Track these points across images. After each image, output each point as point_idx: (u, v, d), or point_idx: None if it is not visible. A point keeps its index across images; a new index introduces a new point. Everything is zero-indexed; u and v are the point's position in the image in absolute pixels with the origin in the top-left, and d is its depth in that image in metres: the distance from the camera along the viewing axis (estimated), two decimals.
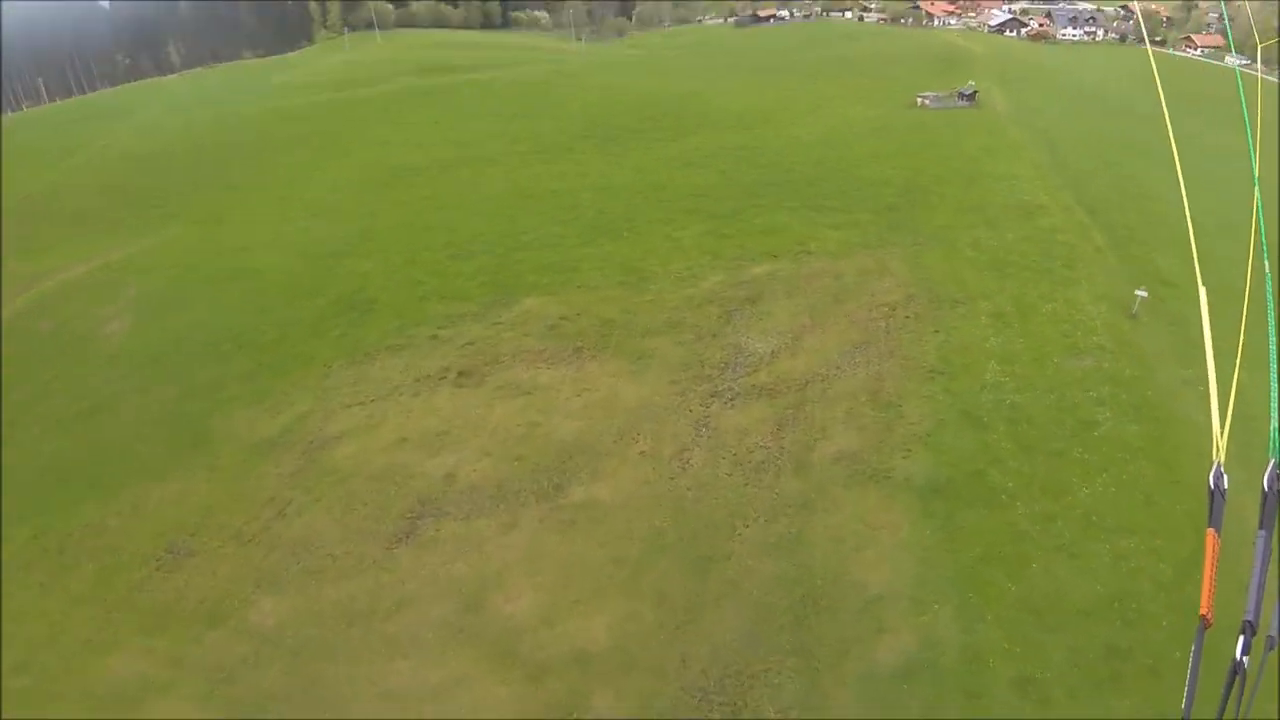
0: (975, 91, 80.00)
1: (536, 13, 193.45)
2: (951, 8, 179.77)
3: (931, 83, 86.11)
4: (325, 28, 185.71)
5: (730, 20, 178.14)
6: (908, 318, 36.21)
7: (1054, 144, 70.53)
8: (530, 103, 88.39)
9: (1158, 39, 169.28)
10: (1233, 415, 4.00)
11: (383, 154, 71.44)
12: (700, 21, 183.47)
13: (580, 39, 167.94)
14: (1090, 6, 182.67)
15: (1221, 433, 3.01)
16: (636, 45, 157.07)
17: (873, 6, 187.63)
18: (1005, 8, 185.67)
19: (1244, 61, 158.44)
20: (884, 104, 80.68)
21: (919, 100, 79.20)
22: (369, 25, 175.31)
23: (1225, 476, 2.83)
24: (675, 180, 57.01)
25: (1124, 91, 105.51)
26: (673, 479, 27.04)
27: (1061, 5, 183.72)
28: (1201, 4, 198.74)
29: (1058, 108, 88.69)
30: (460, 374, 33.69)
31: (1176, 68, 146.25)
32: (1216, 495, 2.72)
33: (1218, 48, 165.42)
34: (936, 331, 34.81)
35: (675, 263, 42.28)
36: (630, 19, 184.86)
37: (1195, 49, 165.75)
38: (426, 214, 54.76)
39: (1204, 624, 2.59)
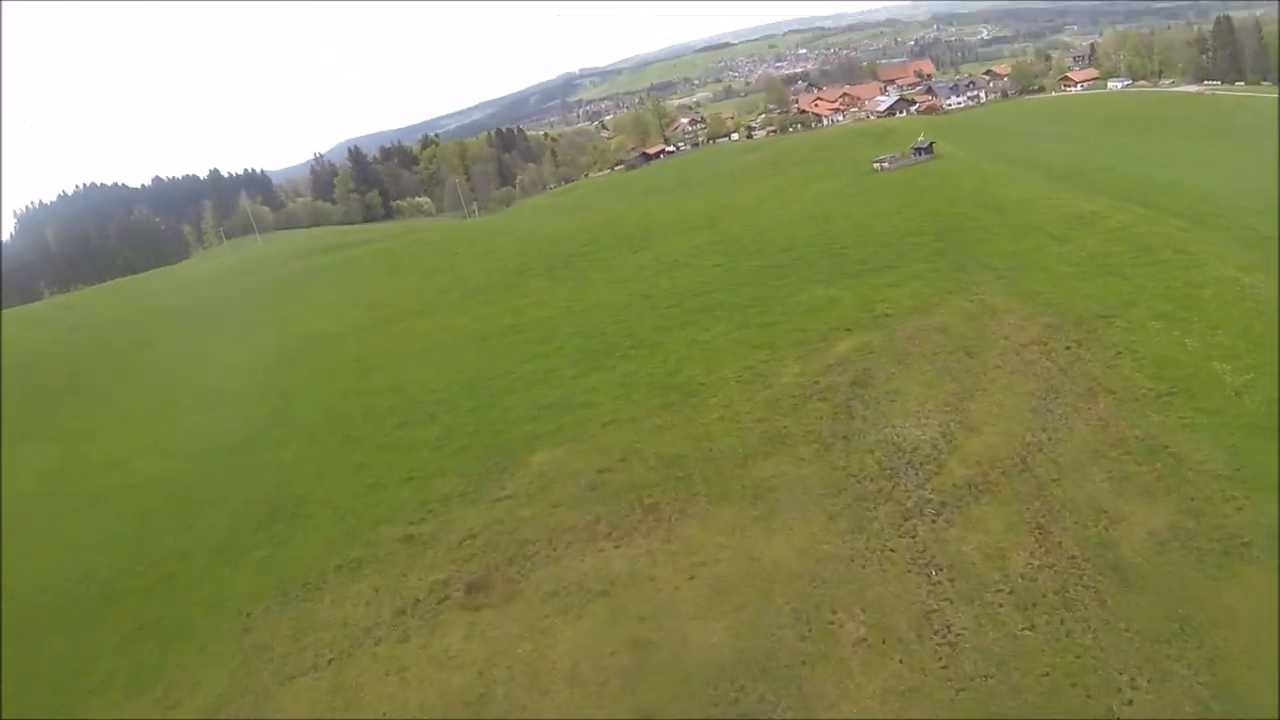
0: (931, 143, 74.01)
1: (419, 199, 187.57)
2: (835, 104, 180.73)
3: (873, 153, 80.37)
4: (202, 245, 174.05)
5: (618, 168, 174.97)
6: (1070, 346, 27.02)
7: (1042, 167, 65.45)
8: (444, 258, 77.71)
9: (1035, 88, 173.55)
10: None
11: (286, 330, 58.63)
12: (585, 176, 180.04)
13: (472, 215, 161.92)
14: (964, 77, 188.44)
15: None
16: (532, 204, 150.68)
17: (756, 124, 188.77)
18: (888, 90, 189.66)
19: (1126, 82, 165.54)
20: (843, 175, 73.67)
21: (877, 165, 72.27)
22: (246, 230, 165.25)
23: None
24: (662, 286, 45.98)
25: (1047, 129, 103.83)
26: (952, 681, 14.46)
27: (937, 80, 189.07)
28: (1052, 54, 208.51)
29: (1006, 146, 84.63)
30: (471, 588, 20.36)
31: (1069, 103, 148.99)
32: None
33: (1095, 79, 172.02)
34: (1118, 353, 25.95)
35: (724, 367, 30.45)
36: (514, 187, 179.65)
37: (1074, 85, 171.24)
38: (356, 380, 41.77)
39: None
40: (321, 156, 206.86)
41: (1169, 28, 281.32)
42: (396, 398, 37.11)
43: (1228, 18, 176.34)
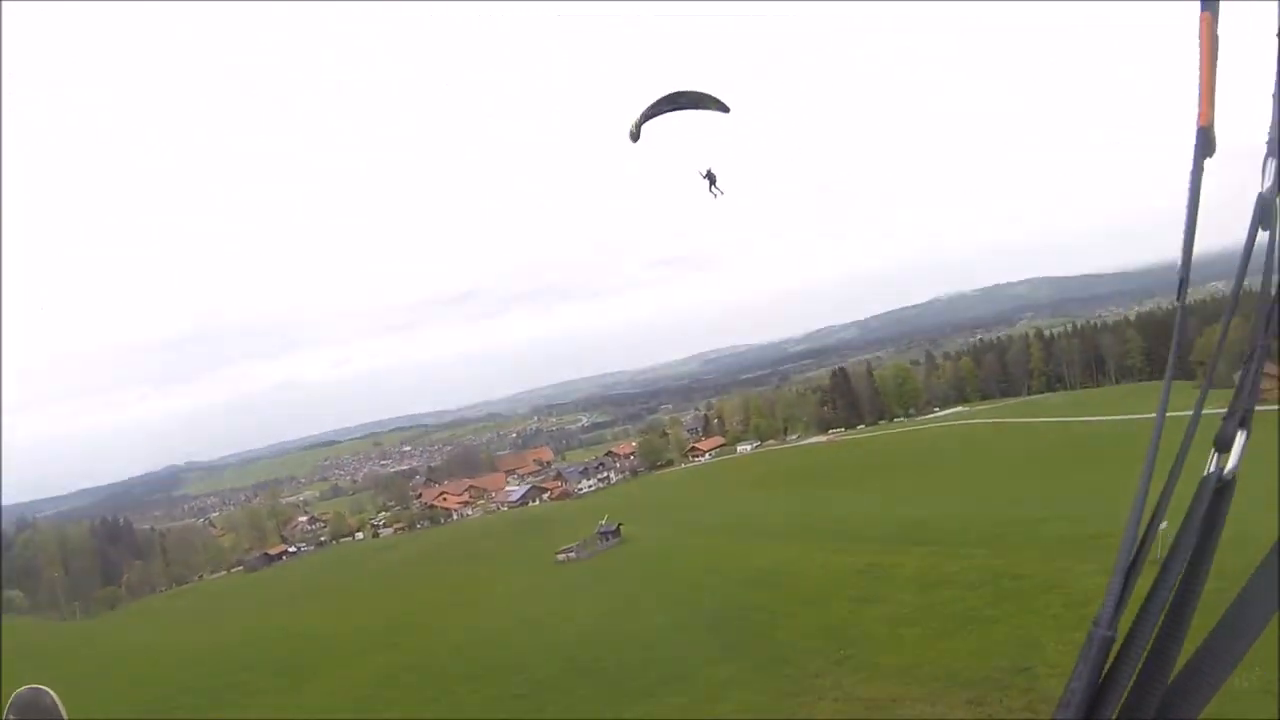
0: (618, 525, 71.23)
1: (11, 593, 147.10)
2: (462, 497, 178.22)
3: (532, 544, 76.57)
4: None
5: (236, 569, 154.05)
6: None
7: (751, 529, 64.37)
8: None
9: (661, 462, 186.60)
10: None
11: None
12: (200, 579, 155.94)
13: (71, 616, 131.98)
14: (592, 459, 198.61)
15: None
16: (140, 610, 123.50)
17: (380, 521, 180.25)
18: (516, 479, 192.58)
19: (755, 444, 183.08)
20: (525, 570, 66.94)
21: (562, 556, 66.95)
22: None
23: None
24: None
25: (700, 496, 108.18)
26: None
27: (563, 465, 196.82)
28: (668, 430, 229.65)
29: (681, 516, 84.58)
30: None
31: (716, 469, 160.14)
32: None
33: (723, 445, 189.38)
34: None
35: None
36: (121, 587, 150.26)
37: (703, 454, 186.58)
38: None
39: (1204, 137, 1.68)
40: None
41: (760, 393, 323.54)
42: None
43: (843, 369, 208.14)
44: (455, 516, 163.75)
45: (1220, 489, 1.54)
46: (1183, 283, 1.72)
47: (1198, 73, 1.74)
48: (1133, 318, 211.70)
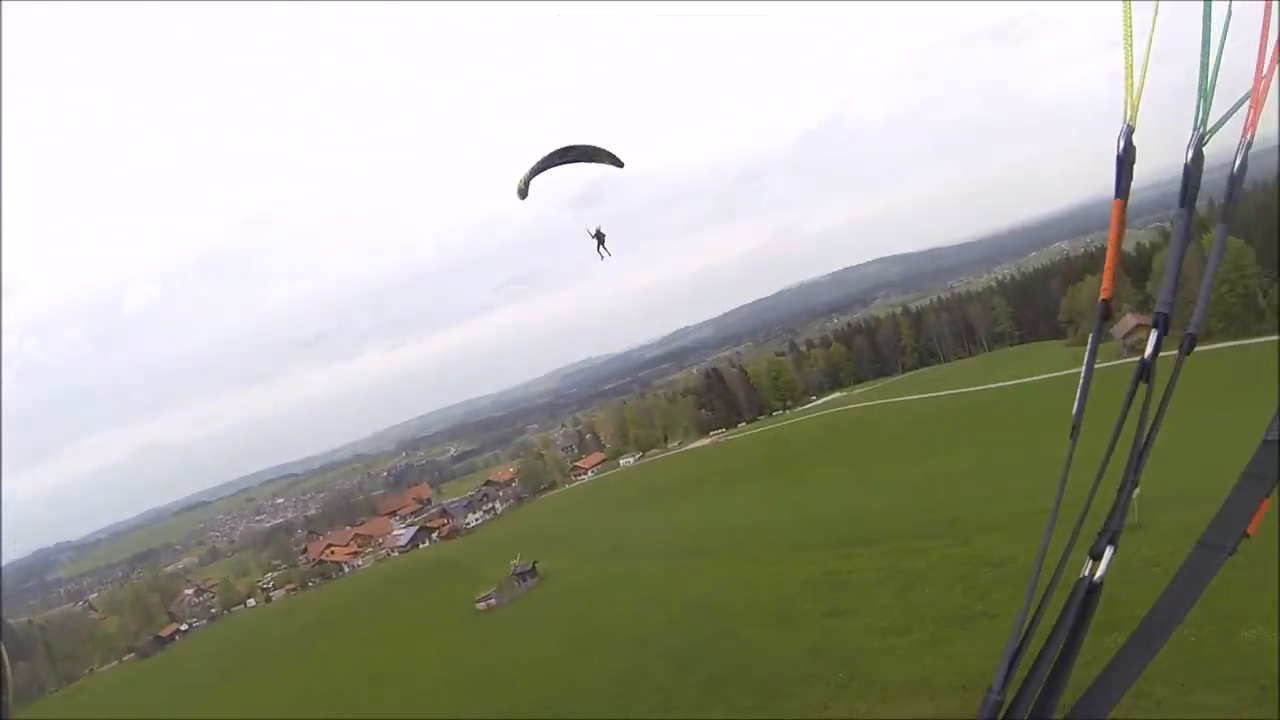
0: (533, 563, 67.11)
1: None
2: (349, 548, 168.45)
3: (443, 594, 72.27)
4: None
5: (128, 657, 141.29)
6: None
7: (687, 551, 61.06)
8: None
9: (544, 484, 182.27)
10: None
11: None
12: (90, 672, 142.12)
13: None
14: (473, 490, 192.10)
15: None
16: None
17: (269, 583, 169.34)
18: (399, 521, 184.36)
19: (637, 456, 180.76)
20: (452, 620, 62.50)
21: (482, 604, 62.52)
22: None
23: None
24: None
25: (600, 521, 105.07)
26: None
27: (447, 501, 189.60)
28: (544, 452, 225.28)
29: (588, 546, 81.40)
30: None
31: (600, 486, 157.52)
32: (1125, 164, 2.32)
33: (605, 461, 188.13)
34: None
35: None
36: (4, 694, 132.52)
37: (586, 471, 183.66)
38: None
39: (1104, 309, 2.39)
40: None
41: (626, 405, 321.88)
42: None
43: (716, 370, 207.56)
44: (346, 569, 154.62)
45: (1091, 591, 1.79)
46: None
47: (1106, 253, 2.25)
48: (994, 284, 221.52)
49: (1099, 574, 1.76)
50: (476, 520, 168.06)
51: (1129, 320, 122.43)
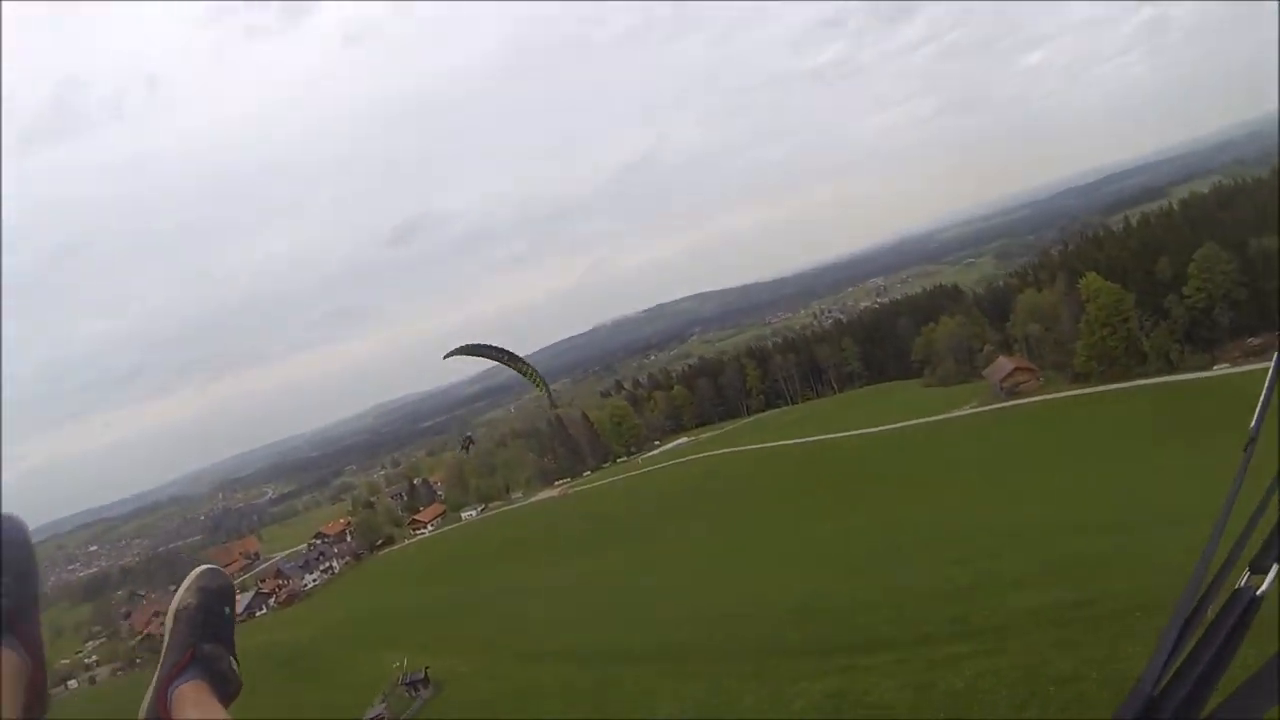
0: (425, 669, 60.01)
1: None
2: None
3: (306, 702, 64.05)
4: None
5: None
6: None
7: (626, 655, 56.54)
8: None
9: (380, 540, 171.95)
10: None
11: None
12: None
13: None
14: (306, 548, 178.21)
15: None
16: None
17: (92, 658, 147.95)
18: (233, 580, 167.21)
19: (480, 508, 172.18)
20: None
21: None
22: None
23: None
24: None
25: (478, 593, 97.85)
26: None
27: (280, 559, 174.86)
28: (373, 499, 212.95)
29: (487, 632, 74.22)
30: None
31: (442, 544, 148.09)
32: None
33: (443, 514, 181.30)
34: None
35: None
36: None
37: (425, 525, 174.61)
38: None
39: None
40: None
41: (447, 444, 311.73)
42: None
43: (559, 417, 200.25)
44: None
45: (1251, 602, 1.72)
46: None
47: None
48: (841, 322, 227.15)
49: (1262, 589, 1.73)
50: (314, 580, 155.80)
51: (1003, 363, 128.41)
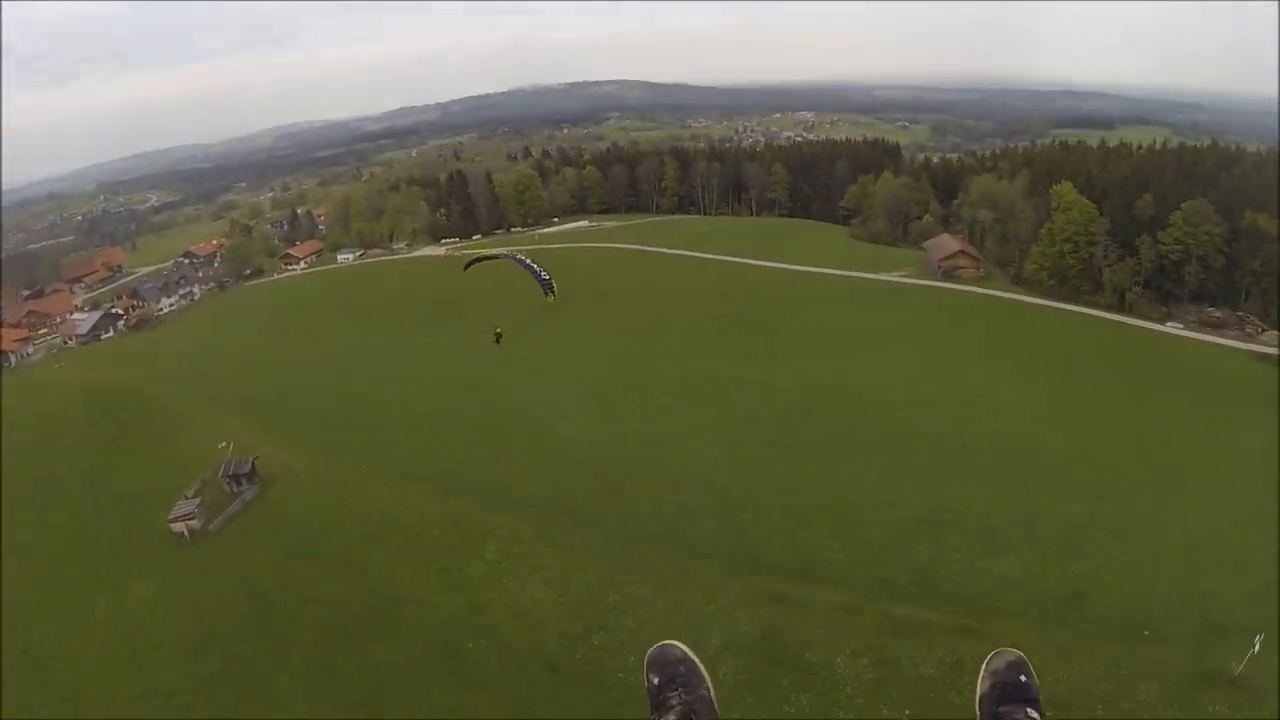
0: (253, 461, 54.16)
1: None
2: (20, 332, 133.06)
3: (130, 468, 57.62)
4: None
5: None
6: None
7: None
8: None
9: (250, 270, 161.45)
10: None
11: None
12: None
13: None
14: (171, 269, 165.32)
15: None
16: None
17: None
18: (84, 290, 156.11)
19: (358, 253, 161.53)
20: (126, 560, 48.15)
21: (179, 527, 47.67)
22: None
23: None
24: None
25: (341, 352, 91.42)
26: None
27: (141, 279, 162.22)
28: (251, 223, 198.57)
29: (345, 410, 67.39)
30: None
31: (311, 288, 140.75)
32: None
33: (319, 251, 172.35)
34: None
35: None
36: None
37: (298, 262, 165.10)
38: None
39: None
40: None
41: (341, 176, 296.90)
42: None
43: (461, 173, 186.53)
44: (13, 361, 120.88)
45: None
46: None
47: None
48: (748, 144, 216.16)
49: None
50: (171, 305, 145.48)
51: (946, 241, 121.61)
